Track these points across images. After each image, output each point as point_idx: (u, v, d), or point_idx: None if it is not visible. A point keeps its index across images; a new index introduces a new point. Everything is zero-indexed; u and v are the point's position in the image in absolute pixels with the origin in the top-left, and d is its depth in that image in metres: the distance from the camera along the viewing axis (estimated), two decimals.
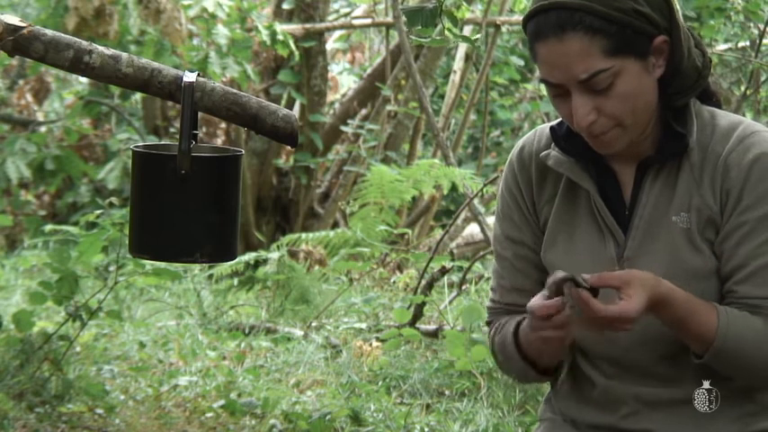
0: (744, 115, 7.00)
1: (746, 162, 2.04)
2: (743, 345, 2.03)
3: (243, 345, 5.50)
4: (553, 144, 2.16)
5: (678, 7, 2.09)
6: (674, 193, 2.08)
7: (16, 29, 1.96)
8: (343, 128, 8.94)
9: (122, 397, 4.64)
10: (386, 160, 8.55)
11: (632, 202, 2.12)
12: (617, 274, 2.00)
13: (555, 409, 2.28)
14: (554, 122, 2.19)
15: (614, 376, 2.16)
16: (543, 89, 2.03)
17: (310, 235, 7.36)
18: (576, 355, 2.22)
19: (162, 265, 4.59)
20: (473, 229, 8.04)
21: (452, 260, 5.91)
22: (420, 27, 3.04)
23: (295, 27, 8.35)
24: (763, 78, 6.66)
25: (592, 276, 1.98)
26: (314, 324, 5.84)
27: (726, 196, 2.06)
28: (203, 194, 1.98)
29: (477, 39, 3.30)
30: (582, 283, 1.97)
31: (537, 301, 2.01)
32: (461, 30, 3.42)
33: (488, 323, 2.31)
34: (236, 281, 6.92)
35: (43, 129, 9.07)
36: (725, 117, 2.11)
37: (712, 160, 2.07)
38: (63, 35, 2.00)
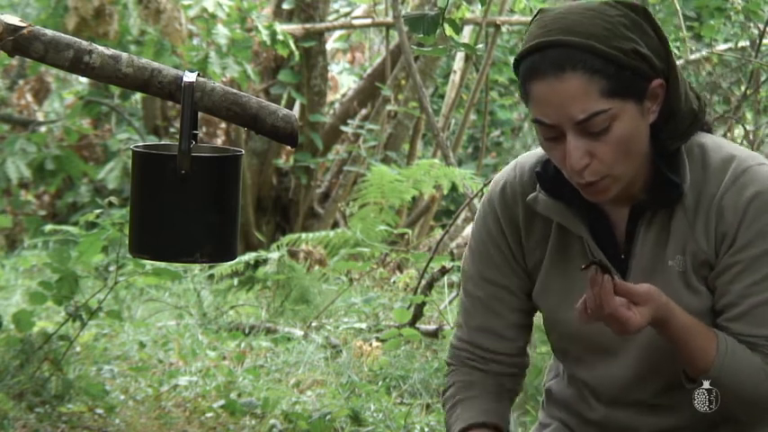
0: (744, 115, 7.00)
1: (742, 203, 2.01)
2: (739, 376, 2.02)
3: (243, 345, 5.50)
4: (539, 187, 2.10)
5: (674, 50, 2.06)
6: (669, 237, 2.05)
7: (16, 29, 1.96)
8: (343, 128, 8.94)
9: (122, 397, 4.64)
10: (386, 160, 8.55)
11: (627, 247, 2.08)
12: (641, 290, 1.97)
13: (554, 415, 2.28)
14: (530, 157, 2.15)
15: (614, 406, 2.16)
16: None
17: (310, 235, 7.36)
18: (578, 382, 2.22)
19: (162, 265, 4.59)
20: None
21: (452, 260, 5.91)
22: (421, 35, 3.04)
23: (295, 27, 8.35)
24: (763, 78, 6.65)
25: (620, 282, 1.97)
26: (314, 324, 5.84)
27: (721, 237, 2.03)
28: (203, 194, 1.98)
29: (478, 48, 3.29)
30: (612, 273, 1.97)
31: None
32: (461, 30, 3.42)
33: (448, 365, 2.26)
34: (236, 281, 6.92)
35: (43, 129, 9.07)
36: (716, 151, 2.06)
37: (706, 202, 2.03)
38: (63, 35, 2.00)
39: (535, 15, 2.02)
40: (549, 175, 2.09)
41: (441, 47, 3.21)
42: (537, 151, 2.17)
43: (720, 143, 2.08)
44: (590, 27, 1.95)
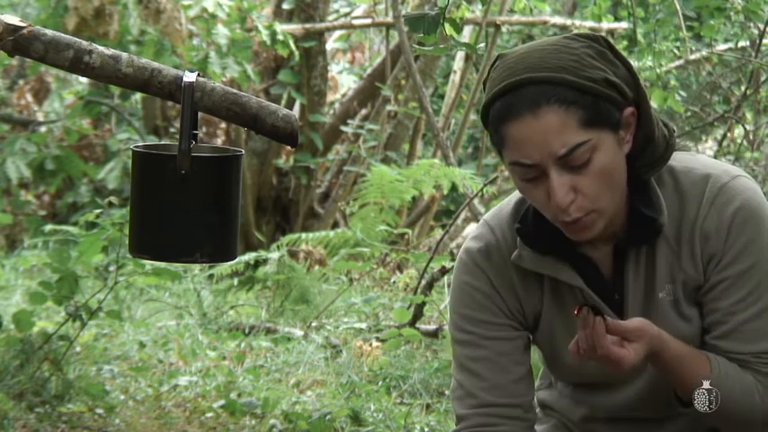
0: (744, 115, 7.00)
1: (724, 223, 2.00)
2: (732, 396, 2.01)
3: (243, 345, 5.50)
4: (520, 241, 2.08)
5: (641, 81, 2.05)
6: (656, 270, 2.04)
7: (16, 29, 1.96)
8: (343, 128, 8.94)
9: (122, 397, 4.64)
10: (386, 160, 8.55)
11: (615, 285, 2.07)
12: (633, 327, 1.96)
13: (552, 414, 2.28)
14: (501, 216, 2.12)
15: (611, 422, 2.16)
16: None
17: (310, 235, 7.36)
18: (575, 398, 2.22)
19: (162, 265, 4.58)
20: (473, 229, 8.04)
21: (452, 260, 5.91)
22: (422, 35, 3.03)
23: (295, 27, 8.35)
24: (763, 78, 6.65)
25: (611, 321, 1.96)
26: (314, 324, 5.84)
27: (708, 259, 2.02)
28: (203, 194, 1.98)
29: (480, 47, 3.28)
30: (604, 313, 1.96)
31: None
32: (461, 29, 3.42)
33: None
34: (236, 281, 6.92)
35: (43, 129, 9.07)
36: (687, 174, 2.04)
37: (688, 229, 2.02)
38: (63, 35, 1.99)
39: (494, 62, 1.99)
40: (529, 228, 2.07)
41: (441, 46, 3.21)
42: (506, 207, 2.14)
43: (689, 164, 2.06)
44: (557, 61, 1.93)
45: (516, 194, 2.12)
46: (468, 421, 2.13)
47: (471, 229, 8.27)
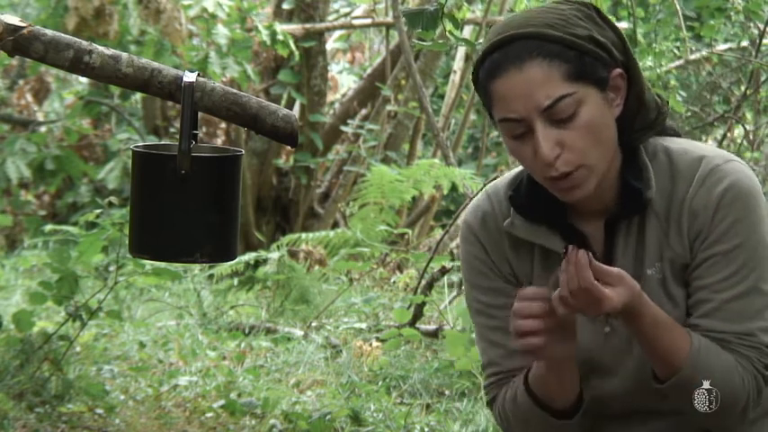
0: (744, 115, 7.00)
1: (713, 201, 2.00)
2: (712, 374, 1.99)
3: (243, 345, 5.50)
4: (513, 211, 2.10)
5: (631, 47, 2.07)
6: (645, 246, 2.05)
7: (16, 29, 1.96)
8: (343, 128, 8.94)
9: (122, 397, 4.64)
10: (386, 160, 8.55)
11: (605, 260, 2.05)
12: (615, 271, 1.95)
13: None
14: (500, 185, 2.13)
15: (614, 416, 2.14)
16: None
17: (310, 235, 7.36)
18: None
19: (162, 265, 4.59)
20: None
21: (452, 260, 5.91)
22: (421, 30, 3.04)
23: (295, 27, 8.35)
24: (763, 78, 6.65)
25: (595, 262, 1.94)
26: (314, 324, 5.84)
27: (695, 236, 2.02)
28: (203, 194, 1.98)
29: (478, 42, 3.28)
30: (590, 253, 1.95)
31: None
32: (462, 30, 3.43)
33: (491, 402, 2.18)
34: (236, 281, 6.92)
35: (43, 129, 9.07)
36: (683, 155, 2.05)
37: (677, 207, 2.03)
38: (63, 35, 1.99)
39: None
40: (522, 196, 2.09)
41: (440, 41, 3.21)
42: (506, 177, 2.17)
43: (686, 146, 2.08)
44: (543, 19, 1.98)
45: (519, 167, 2.14)
46: (492, 386, 2.16)
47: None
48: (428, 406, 4.64)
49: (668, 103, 2.11)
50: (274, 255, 6.72)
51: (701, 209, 2.01)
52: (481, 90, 2.01)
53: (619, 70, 2.00)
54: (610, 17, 2.09)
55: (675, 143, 2.08)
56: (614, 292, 1.94)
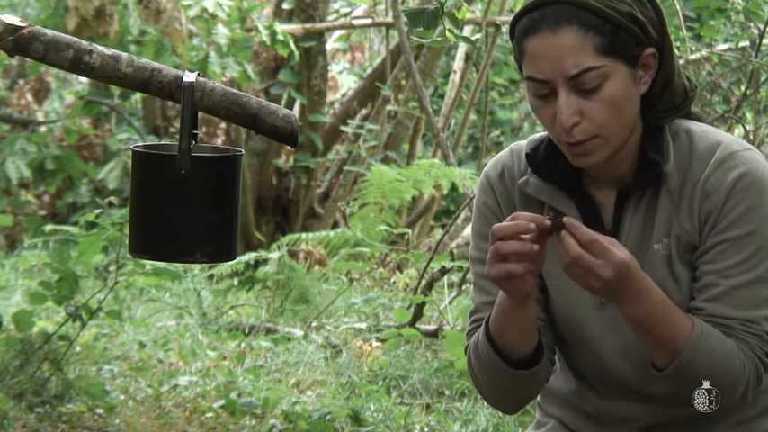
0: (744, 115, 7.00)
1: (727, 184, 2.01)
2: (713, 357, 1.99)
3: (243, 345, 5.50)
4: (529, 170, 2.12)
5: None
6: (655, 220, 2.06)
7: (16, 29, 1.96)
8: (343, 128, 8.94)
9: (122, 397, 4.64)
10: (386, 160, 8.55)
11: (613, 230, 2.08)
12: (606, 238, 1.96)
13: (550, 412, 2.28)
14: (526, 144, 2.15)
15: (608, 397, 2.14)
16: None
17: (310, 235, 7.36)
18: (574, 371, 2.20)
19: (162, 265, 4.59)
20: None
21: (452, 260, 5.91)
22: (422, 29, 3.04)
23: (295, 27, 8.35)
24: (763, 78, 6.65)
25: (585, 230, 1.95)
26: (314, 324, 5.84)
27: (705, 217, 2.03)
28: (203, 194, 1.98)
29: (477, 39, 3.29)
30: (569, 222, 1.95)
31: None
32: (461, 30, 3.43)
33: (466, 348, 2.18)
34: (236, 281, 6.92)
35: (43, 129, 9.07)
36: (703, 138, 2.07)
37: (690, 186, 2.04)
38: (63, 35, 1.99)
39: None
40: (540, 157, 2.11)
41: (440, 38, 3.22)
42: (532, 136, 2.19)
43: (708, 131, 2.10)
44: None
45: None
46: (470, 336, 2.16)
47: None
48: (428, 406, 4.64)
49: (696, 88, 2.12)
50: (274, 255, 6.72)
51: (713, 190, 2.02)
52: (515, 45, 2.03)
53: (652, 50, 2.02)
54: None
55: (698, 126, 2.11)
56: (616, 252, 1.93)
